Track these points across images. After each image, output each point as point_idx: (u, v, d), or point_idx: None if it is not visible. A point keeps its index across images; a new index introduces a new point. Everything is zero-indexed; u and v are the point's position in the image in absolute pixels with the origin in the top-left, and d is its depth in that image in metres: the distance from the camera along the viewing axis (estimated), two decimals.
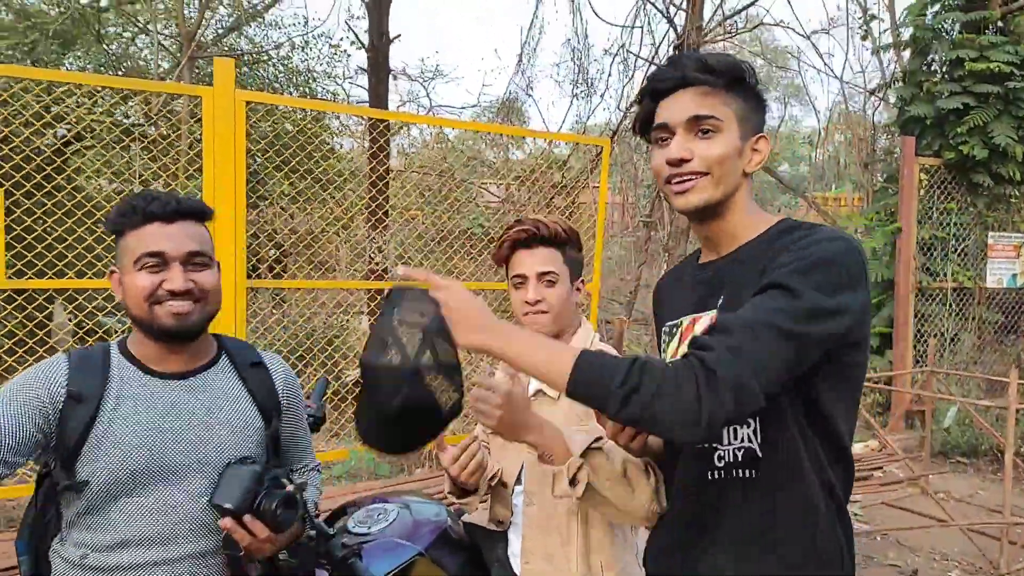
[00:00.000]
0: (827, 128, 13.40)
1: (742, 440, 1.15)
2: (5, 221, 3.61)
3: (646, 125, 1.23)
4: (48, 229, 4.61)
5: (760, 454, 1.14)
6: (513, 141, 10.32)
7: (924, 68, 6.97)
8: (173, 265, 1.31)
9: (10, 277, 3.62)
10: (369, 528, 1.79)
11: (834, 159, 14.97)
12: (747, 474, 1.15)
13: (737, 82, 1.17)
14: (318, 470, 1.68)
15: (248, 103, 4.06)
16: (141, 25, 8.24)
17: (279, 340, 7.00)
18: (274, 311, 8.23)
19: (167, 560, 1.31)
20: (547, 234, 1.56)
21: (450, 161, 10.34)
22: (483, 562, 1.77)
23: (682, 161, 1.15)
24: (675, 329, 1.28)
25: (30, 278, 4.31)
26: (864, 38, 9.13)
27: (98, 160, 8.08)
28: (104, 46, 8.54)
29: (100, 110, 7.36)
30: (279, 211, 8.44)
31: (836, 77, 10.27)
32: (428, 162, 10.99)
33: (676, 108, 1.16)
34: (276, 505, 1.29)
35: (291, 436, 1.56)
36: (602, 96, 9.86)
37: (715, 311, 1.18)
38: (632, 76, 10.03)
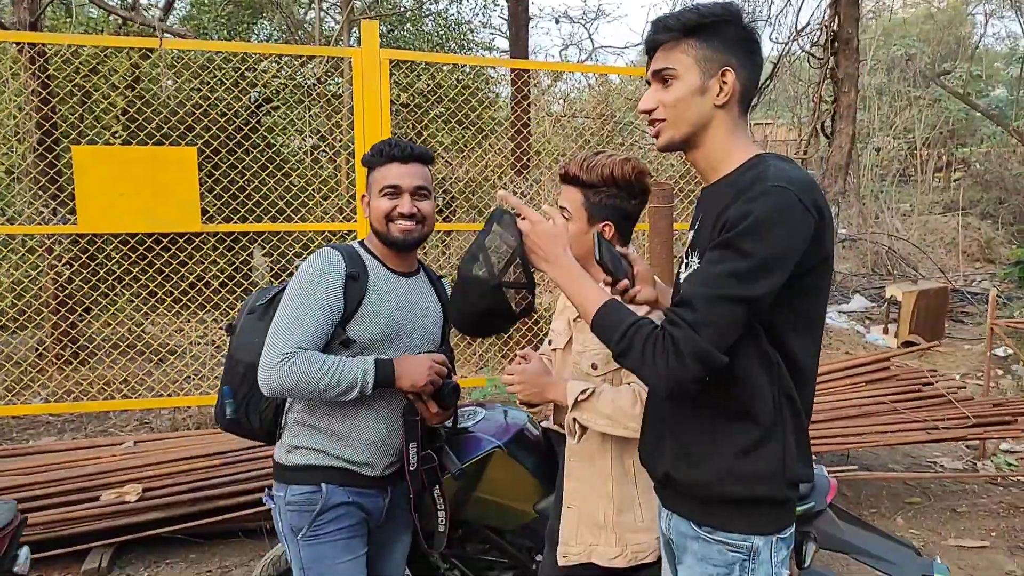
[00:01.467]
0: None
1: None
2: (204, 175, 4.28)
3: None
4: (248, 181, 5.39)
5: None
6: None
7: None
8: (404, 195, 1.79)
9: (204, 223, 4.29)
10: (461, 424, 2.12)
11: None
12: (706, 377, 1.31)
13: (693, 29, 1.31)
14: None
15: (392, 61, 4.45)
16: None
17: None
18: (439, 254, 8.88)
19: (383, 405, 1.80)
20: (573, 174, 1.75)
21: (611, 104, 10.40)
22: (555, 460, 2.04)
23: (650, 111, 1.36)
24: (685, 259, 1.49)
25: (222, 223, 5.08)
26: None
27: (284, 119, 9.05)
28: (284, 13, 9.37)
29: (284, 74, 8.19)
30: (445, 162, 9.00)
31: None
32: (588, 106, 11.10)
33: (651, 65, 1.37)
34: (447, 392, 1.78)
35: (447, 333, 2.04)
36: (767, 23, 9.33)
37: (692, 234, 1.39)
38: (799, 5, 9.42)
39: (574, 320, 1.82)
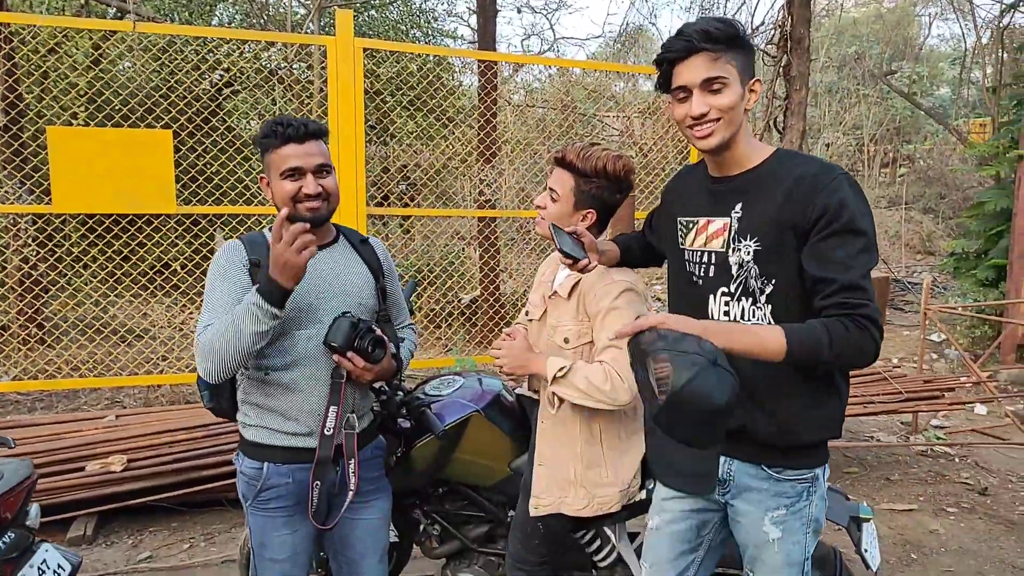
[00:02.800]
0: (975, 48, 12.35)
1: (758, 320, 1.54)
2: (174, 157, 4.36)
3: (666, 84, 1.57)
4: (207, 163, 5.44)
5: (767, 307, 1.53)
6: (637, 74, 10.32)
7: None
8: (308, 175, 1.77)
9: (179, 205, 4.36)
10: (440, 391, 2.31)
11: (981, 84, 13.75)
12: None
13: (734, 41, 1.47)
14: (413, 328, 2.17)
15: (365, 50, 4.57)
16: None
17: (404, 264, 7.73)
18: (402, 238, 9.00)
19: (315, 375, 1.83)
20: (569, 160, 1.92)
21: (573, 95, 10.60)
22: (528, 422, 2.24)
23: (702, 115, 1.50)
24: (692, 224, 1.66)
25: (193, 205, 5.15)
26: None
27: (246, 103, 9.03)
28: None
29: (247, 57, 8.20)
30: (406, 148, 9.10)
31: None
32: (550, 96, 11.29)
33: (691, 72, 1.48)
34: (368, 343, 1.77)
35: (391, 294, 2.07)
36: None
37: (729, 219, 1.57)
38: (754, 5, 9.75)
39: (549, 296, 2.02)
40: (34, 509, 2.07)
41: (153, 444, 3.36)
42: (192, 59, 6.81)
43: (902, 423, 5.17)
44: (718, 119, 1.48)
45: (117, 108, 5.71)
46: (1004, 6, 8.85)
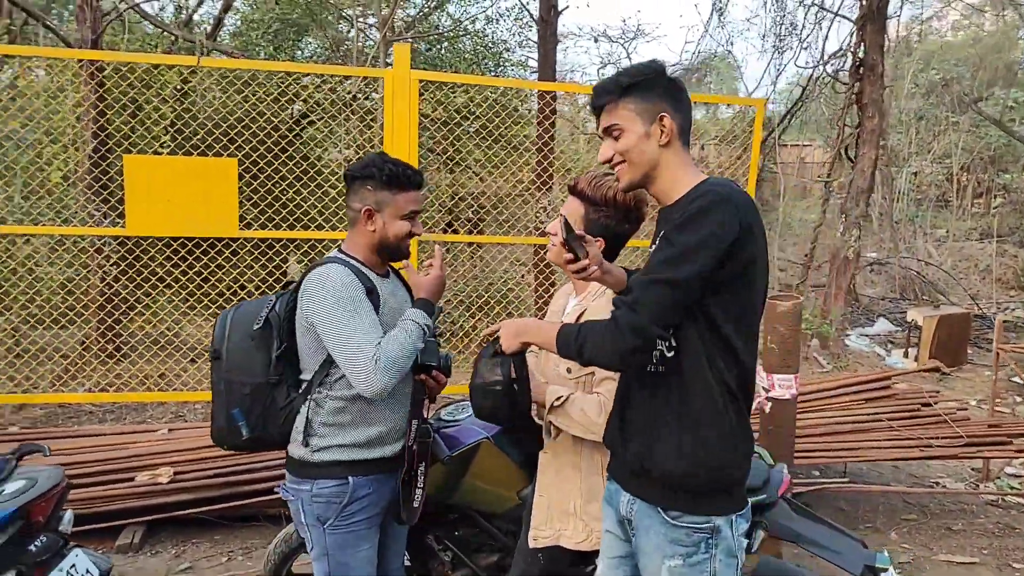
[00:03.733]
0: None
1: (659, 346, 1.57)
2: (244, 184, 4.58)
3: None
4: (283, 191, 5.70)
5: (668, 355, 1.56)
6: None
7: None
8: (416, 218, 2.03)
9: (242, 229, 4.59)
10: (455, 417, 2.34)
11: None
12: (662, 370, 1.57)
13: (628, 88, 1.57)
14: None
15: (421, 81, 4.72)
16: (347, 14, 9.37)
17: (465, 290, 7.84)
18: (464, 263, 9.14)
19: (395, 392, 1.95)
20: (581, 189, 1.95)
21: None
22: (537, 452, 2.24)
23: (609, 160, 1.63)
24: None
25: (268, 230, 5.41)
26: None
27: (321, 133, 9.42)
28: (326, 33, 9.78)
29: (323, 89, 8.57)
30: (472, 176, 9.29)
31: None
32: None
33: (599, 123, 1.64)
34: (446, 360, 2.06)
35: None
36: (795, 50, 9.47)
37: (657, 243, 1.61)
38: (827, 30, 9.54)
39: None
40: (67, 515, 2.21)
41: (200, 458, 3.51)
42: (272, 92, 7.20)
43: (973, 469, 4.85)
44: (622, 161, 1.60)
45: (201, 138, 6.07)
46: None
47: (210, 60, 4.36)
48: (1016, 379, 6.88)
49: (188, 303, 6.55)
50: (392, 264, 2.15)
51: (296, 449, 1.97)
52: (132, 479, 3.37)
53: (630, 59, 19.21)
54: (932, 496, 4.34)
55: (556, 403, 1.84)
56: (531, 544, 2.00)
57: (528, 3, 10.51)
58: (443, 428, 2.27)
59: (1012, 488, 4.49)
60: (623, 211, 1.95)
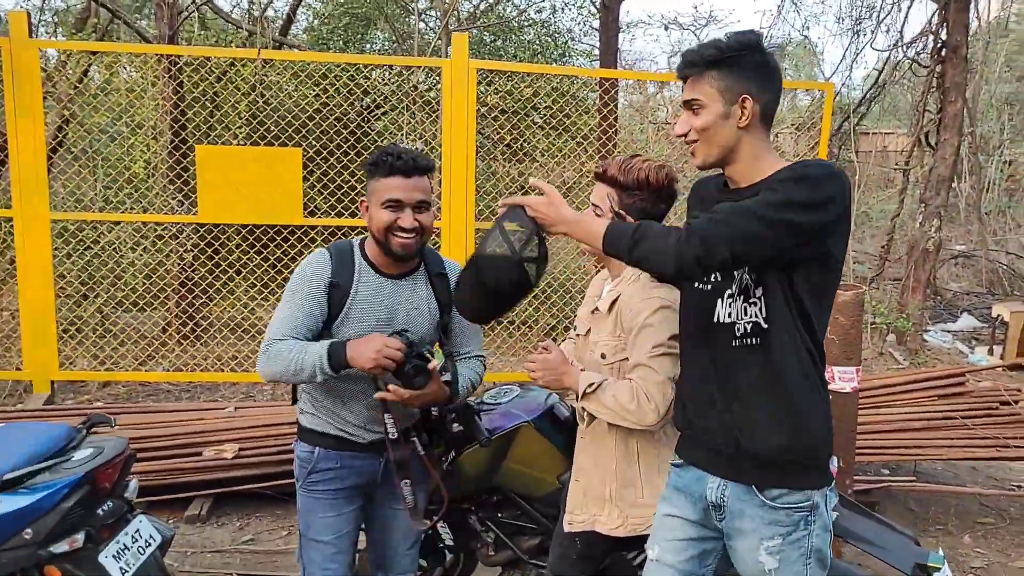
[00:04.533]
0: None
1: (751, 316, 1.54)
2: (320, 175, 4.72)
3: None
4: (359, 180, 5.84)
5: (764, 326, 1.53)
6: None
7: None
8: (406, 209, 1.88)
9: (308, 217, 4.74)
10: (497, 400, 2.36)
11: None
12: (754, 342, 1.54)
13: (714, 63, 1.52)
14: (480, 358, 2.20)
15: (480, 71, 4.75)
16: (412, 6, 9.49)
17: None
18: None
19: (365, 391, 1.94)
20: (611, 175, 1.91)
21: None
22: None
23: (684, 135, 1.58)
24: None
25: (331, 218, 5.57)
26: None
27: (391, 124, 9.58)
28: (392, 25, 9.93)
29: (392, 82, 8.72)
30: (539, 166, 9.28)
31: None
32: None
33: (684, 94, 1.59)
34: (410, 368, 1.83)
35: (458, 326, 2.13)
36: (872, 33, 9.05)
37: None
38: (907, 11, 9.13)
39: (592, 312, 2.01)
40: (132, 484, 2.33)
41: (263, 435, 3.64)
42: (340, 85, 7.35)
43: None
44: (696, 140, 1.57)
45: (272, 130, 6.28)
46: None
47: (270, 52, 4.49)
48: None
49: (258, 289, 6.80)
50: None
51: (296, 407, 2.10)
52: (199, 454, 3.53)
53: None
54: (1011, 500, 4.11)
55: (588, 390, 1.83)
56: (566, 528, 2.00)
57: None
58: (482, 411, 2.29)
59: None
60: (656, 191, 1.91)
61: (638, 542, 2.02)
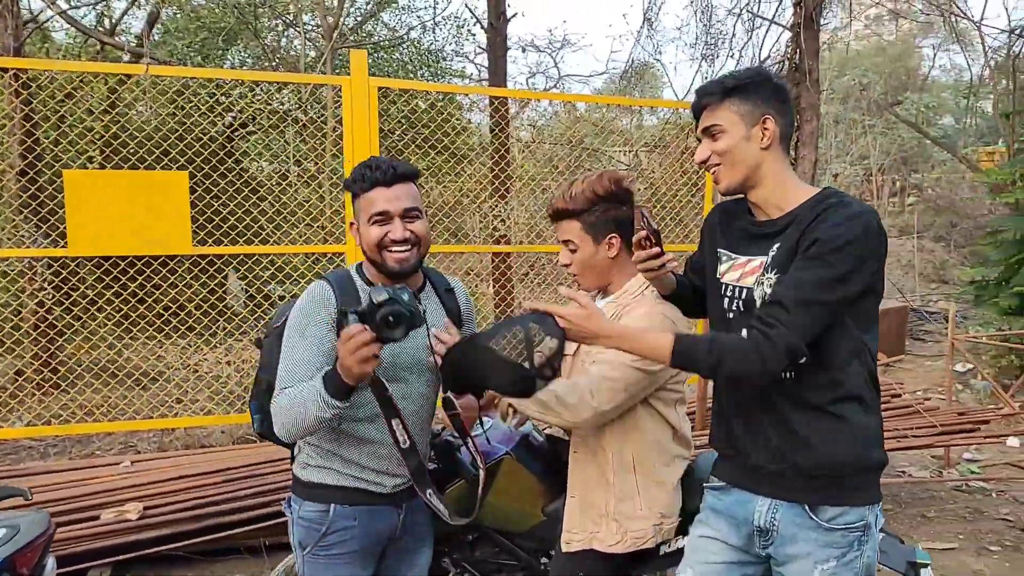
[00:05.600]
0: (983, 78, 12.37)
1: None
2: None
3: None
4: (222, 204, 5.43)
5: (815, 346, 1.52)
6: (644, 108, 10.45)
7: None
8: (395, 220, 1.71)
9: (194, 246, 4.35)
10: (473, 432, 2.22)
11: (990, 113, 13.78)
12: (804, 361, 1.52)
13: (731, 90, 1.56)
14: None
15: (380, 88, 4.59)
16: (289, 20, 9.11)
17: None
18: None
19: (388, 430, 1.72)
20: (562, 208, 1.86)
21: (579, 131, 10.68)
22: (559, 464, 2.15)
23: (705, 161, 1.61)
24: (731, 259, 1.67)
25: (208, 246, 5.14)
26: None
27: (259, 144, 9.10)
28: (260, 40, 9.47)
29: (260, 100, 8.28)
30: (419, 185, 9.14)
31: (974, 22, 9.41)
32: (557, 133, 11.38)
33: (699, 124, 1.62)
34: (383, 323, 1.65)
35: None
36: (727, 58, 9.71)
37: (766, 257, 1.58)
38: (761, 38, 9.84)
39: None
40: (50, 562, 2.00)
41: (171, 490, 3.27)
42: (207, 101, 6.87)
43: (933, 457, 5.03)
44: (718, 164, 1.59)
45: (132, 151, 5.74)
46: (1014, 35, 8.88)
47: (159, 68, 4.11)
48: (957, 367, 7.20)
49: (124, 327, 6.19)
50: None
51: (295, 465, 1.86)
52: (96, 518, 3.11)
53: (558, 68, 19.45)
54: (901, 486, 4.46)
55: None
56: (564, 548, 1.91)
57: (475, 8, 10.46)
58: (460, 445, 2.16)
59: (973, 473, 4.67)
60: (610, 197, 1.86)
61: (640, 565, 1.97)
